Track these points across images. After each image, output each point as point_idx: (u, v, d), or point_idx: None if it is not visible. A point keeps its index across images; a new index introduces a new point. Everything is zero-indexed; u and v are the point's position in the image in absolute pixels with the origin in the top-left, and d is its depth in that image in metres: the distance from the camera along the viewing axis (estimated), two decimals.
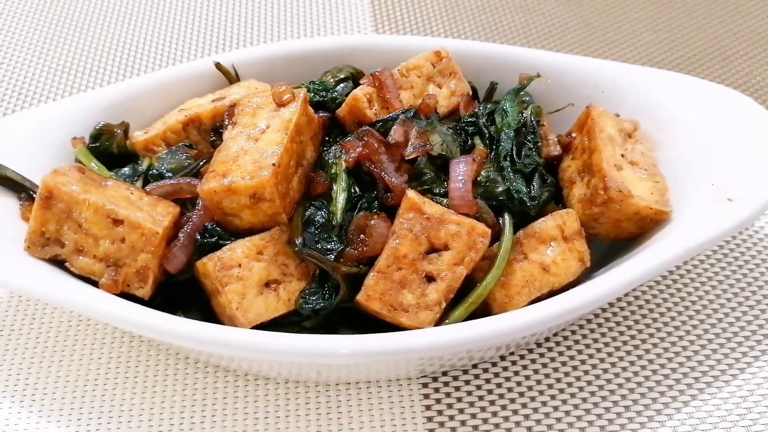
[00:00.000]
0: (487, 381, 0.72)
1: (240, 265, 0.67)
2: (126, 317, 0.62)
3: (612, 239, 0.75)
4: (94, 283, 0.67)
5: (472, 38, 1.16)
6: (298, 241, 0.67)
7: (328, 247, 0.68)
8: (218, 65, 0.84)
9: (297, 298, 0.68)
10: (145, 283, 0.67)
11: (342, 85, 0.81)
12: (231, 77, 0.84)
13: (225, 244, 0.68)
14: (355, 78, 0.82)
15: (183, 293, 0.71)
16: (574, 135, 0.78)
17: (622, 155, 0.75)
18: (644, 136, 0.80)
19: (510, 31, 1.18)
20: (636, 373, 0.72)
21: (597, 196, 0.71)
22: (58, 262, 0.68)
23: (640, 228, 0.73)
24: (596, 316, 0.78)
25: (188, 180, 0.72)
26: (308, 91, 0.78)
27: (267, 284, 0.67)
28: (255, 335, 0.63)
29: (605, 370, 0.72)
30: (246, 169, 0.66)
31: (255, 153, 0.68)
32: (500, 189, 0.71)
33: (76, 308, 0.64)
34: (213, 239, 0.68)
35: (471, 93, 0.83)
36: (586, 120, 0.78)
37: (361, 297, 0.67)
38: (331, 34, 1.15)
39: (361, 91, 0.76)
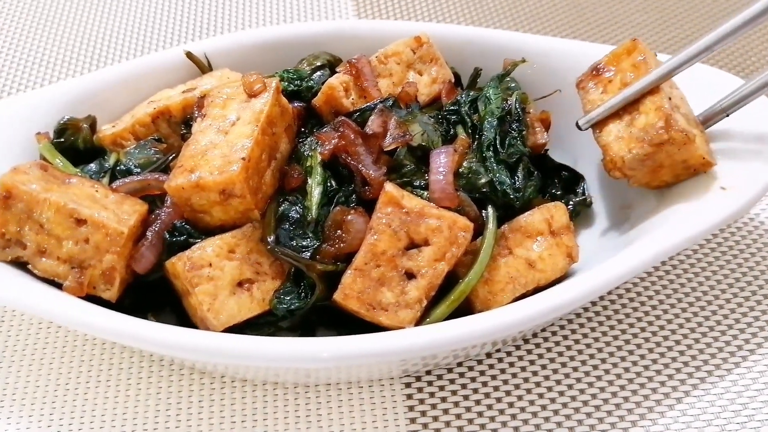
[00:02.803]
0: (473, 380, 0.69)
1: (211, 265, 0.64)
2: (87, 321, 0.59)
3: (641, 184, 0.71)
4: (60, 286, 0.65)
5: (458, 23, 1.13)
6: (271, 238, 0.64)
7: (304, 244, 0.65)
8: (189, 54, 0.80)
9: (271, 297, 0.65)
10: (112, 285, 0.64)
11: (318, 73, 0.77)
12: (203, 67, 0.81)
13: (195, 243, 0.65)
14: (332, 66, 0.79)
15: (155, 294, 0.68)
16: (607, 67, 0.73)
17: (669, 98, 0.70)
18: None
19: (497, 14, 1.15)
20: (627, 369, 0.69)
21: (653, 135, 0.67)
22: (21, 265, 0.65)
23: (676, 177, 0.70)
24: (586, 310, 0.75)
25: (156, 176, 0.69)
26: (282, 80, 0.74)
27: (240, 284, 0.65)
28: (226, 340, 0.60)
29: (595, 366, 0.70)
30: (215, 163, 0.63)
31: (224, 147, 0.65)
32: (483, 180, 0.68)
33: (36, 313, 0.61)
34: (182, 238, 0.65)
35: (453, 80, 0.80)
36: (632, 52, 0.73)
37: (338, 296, 0.64)
38: (312, 21, 1.11)
39: (337, 80, 0.73)
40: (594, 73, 0.73)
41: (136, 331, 0.59)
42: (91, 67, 1.07)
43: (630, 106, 0.70)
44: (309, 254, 0.65)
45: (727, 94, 0.71)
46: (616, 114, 0.70)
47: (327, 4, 1.17)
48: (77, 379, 0.70)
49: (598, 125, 0.71)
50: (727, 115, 0.70)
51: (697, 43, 0.68)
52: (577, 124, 0.72)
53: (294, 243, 0.65)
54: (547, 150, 0.78)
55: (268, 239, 0.64)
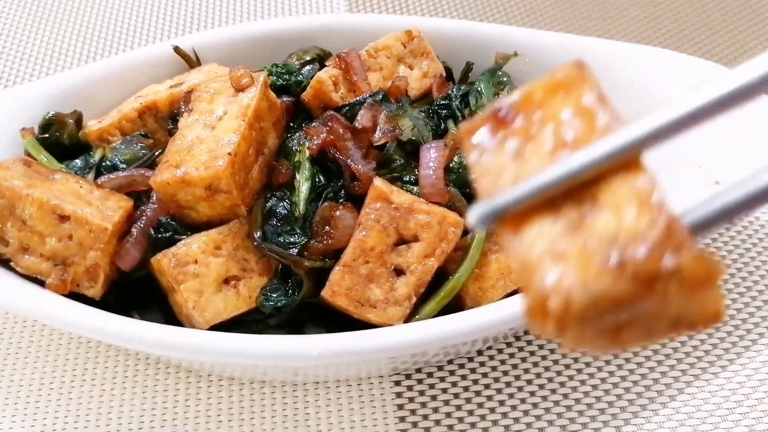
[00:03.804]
0: (463, 377, 0.68)
1: (196, 261, 0.63)
2: (69, 319, 0.58)
3: (580, 349, 0.36)
4: (43, 283, 0.64)
5: (451, 17, 1.12)
6: (258, 234, 0.63)
7: (291, 240, 0.64)
8: (177, 49, 0.79)
9: (258, 295, 0.64)
10: (96, 282, 0.63)
11: (308, 67, 0.76)
12: (191, 61, 0.80)
13: (181, 239, 0.64)
14: (321, 60, 0.78)
15: (141, 291, 0.68)
16: (526, 109, 0.35)
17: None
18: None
19: (490, 8, 1.14)
20: (620, 366, 0.69)
21: (638, 258, 0.31)
22: (3, 262, 0.64)
23: (647, 337, 0.33)
24: None
25: (142, 171, 0.68)
26: (271, 74, 0.73)
27: (226, 281, 0.64)
28: (212, 337, 0.59)
29: (588, 363, 0.69)
30: (201, 159, 0.62)
31: (211, 142, 0.64)
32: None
33: (19, 311, 0.60)
34: (168, 234, 0.64)
35: (444, 74, 0.79)
36: (575, 86, 0.35)
37: (326, 293, 0.63)
38: (303, 14, 1.10)
39: (326, 74, 0.72)
40: (497, 118, 0.35)
41: (119, 329, 0.58)
42: (77, 61, 1.05)
43: (578, 191, 0.33)
44: (297, 250, 0.64)
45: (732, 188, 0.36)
46: (549, 204, 0.33)
47: None
48: (61, 378, 0.69)
49: (510, 222, 0.33)
50: (733, 224, 0.36)
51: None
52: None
53: (281, 239, 0.64)
54: None
55: (255, 235, 0.63)
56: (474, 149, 0.35)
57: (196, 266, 0.63)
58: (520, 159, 0.33)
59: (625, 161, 0.32)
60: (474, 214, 0.33)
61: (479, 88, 0.72)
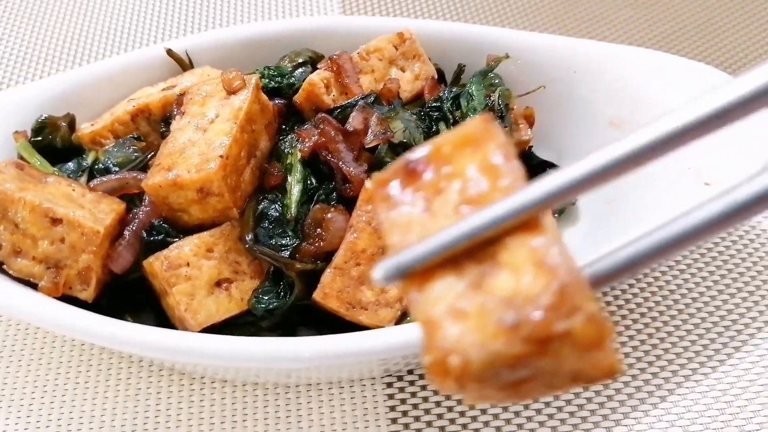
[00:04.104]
0: None
1: (188, 264, 0.63)
2: (62, 322, 0.59)
3: (483, 402, 0.41)
4: (36, 286, 0.64)
5: (444, 19, 1.12)
6: (249, 237, 0.63)
7: (283, 242, 0.64)
8: (170, 52, 0.79)
9: (250, 297, 0.64)
10: (88, 285, 0.63)
11: (300, 70, 0.76)
12: (184, 64, 0.80)
13: (173, 242, 0.64)
14: (314, 62, 0.78)
15: (134, 294, 0.68)
16: (435, 162, 0.35)
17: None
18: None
19: (483, 11, 1.14)
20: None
21: (532, 320, 0.31)
22: None
23: (546, 389, 0.34)
24: None
25: (135, 174, 0.68)
26: (263, 77, 0.74)
27: (218, 283, 0.64)
28: (205, 340, 0.59)
29: None
30: (192, 161, 0.63)
31: (203, 144, 0.64)
32: None
33: (11, 314, 0.60)
34: (160, 237, 0.65)
35: (436, 76, 0.79)
36: (483, 141, 0.35)
37: (317, 295, 0.63)
38: (296, 17, 1.10)
39: (318, 76, 0.72)
40: (408, 170, 0.36)
41: (111, 332, 0.58)
42: (70, 64, 1.06)
43: (480, 249, 0.33)
44: (288, 253, 0.64)
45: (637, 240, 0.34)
46: (453, 262, 0.33)
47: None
48: (54, 381, 0.69)
49: (415, 278, 0.34)
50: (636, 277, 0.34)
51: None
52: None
53: (273, 242, 0.64)
54: (531, 147, 0.77)
55: (247, 238, 0.63)
56: (384, 203, 0.35)
57: (188, 269, 0.63)
58: (428, 213, 0.34)
59: (526, 220, 0.33)
60: (380, 270, 0.33)
61: (470, 90, 0.73)
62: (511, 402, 0.37)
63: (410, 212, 0.34)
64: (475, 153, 0.34)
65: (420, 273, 0.33)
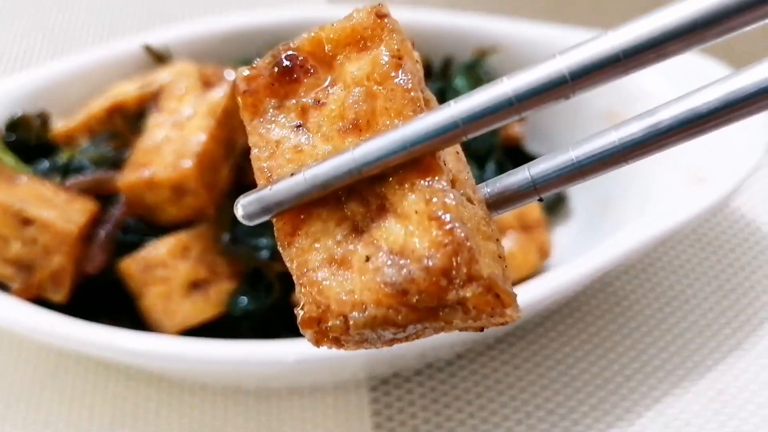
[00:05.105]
0: (442, 382, 0.66)
1: (164, 265, 0.61)
2: (33, 326, 0.56)
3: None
4: (8, 289, 0.62)
5: (432, 8, 1.09)
6: (226, 237, 0.61)
7: (262, 242, 0.62)
8: (147, 47, 0.77)
9: (228, 299, 0.62)
10: (62, 287, 0.61)
11: None
12: (162, 58, 0.78)
13: (149, 242, 0.62)
14: None
15: (110, 296, 0.66)
16: (317, 58, 0.30)
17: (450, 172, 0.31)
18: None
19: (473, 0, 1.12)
20: (603, 369, 0.67)
21: (417, 283, 0.26)
22: None
23: None
24: (560, 308, 0.72)
25: (110, 173, 0.66)
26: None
27: (195, 285, 0.62)
28: (182, 343, 0.57)
29: (570, 366, 0.67)
30: (167, 159, 0.60)
31: (178, 141, 0.62)
32: None
33: None
34: (136, 236, 0.63)
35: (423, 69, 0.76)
36: (374, 36, 0.29)
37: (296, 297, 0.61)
38: (281, 8, 1.08)
39: None
40: (282, 69, 0.30)
41: (84, 335, 0.56)
42: (43, 59, 1.02)
43: (367, 186, 0.28)
44: (268, 254, 0.62)
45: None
46: (334, 199, 0.28)
47: None
48: (30, 387, 0.67)
49: (288, 217, 0.28)
50: (541, 200, 0.30)
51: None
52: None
53: (252, 242, 0.62)
54: (523, 142, 0.75)
55: (222, 239, 0.61)
56: (251, 110, 0.29)
57: (164, 270, 0.61)
58: (304, 133, 0.28)
59: (422, 156, 0.26)
60: (242, 205, 0.27)
61: (455, 84, 0.70)
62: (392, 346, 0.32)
63: (283, 130, 0.28)
64: (362, 56, 0.27)
65: (295, 210, 0.27)
